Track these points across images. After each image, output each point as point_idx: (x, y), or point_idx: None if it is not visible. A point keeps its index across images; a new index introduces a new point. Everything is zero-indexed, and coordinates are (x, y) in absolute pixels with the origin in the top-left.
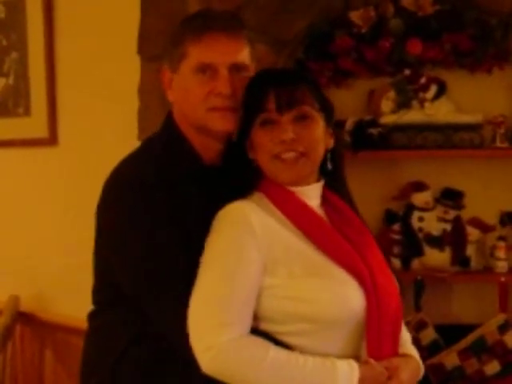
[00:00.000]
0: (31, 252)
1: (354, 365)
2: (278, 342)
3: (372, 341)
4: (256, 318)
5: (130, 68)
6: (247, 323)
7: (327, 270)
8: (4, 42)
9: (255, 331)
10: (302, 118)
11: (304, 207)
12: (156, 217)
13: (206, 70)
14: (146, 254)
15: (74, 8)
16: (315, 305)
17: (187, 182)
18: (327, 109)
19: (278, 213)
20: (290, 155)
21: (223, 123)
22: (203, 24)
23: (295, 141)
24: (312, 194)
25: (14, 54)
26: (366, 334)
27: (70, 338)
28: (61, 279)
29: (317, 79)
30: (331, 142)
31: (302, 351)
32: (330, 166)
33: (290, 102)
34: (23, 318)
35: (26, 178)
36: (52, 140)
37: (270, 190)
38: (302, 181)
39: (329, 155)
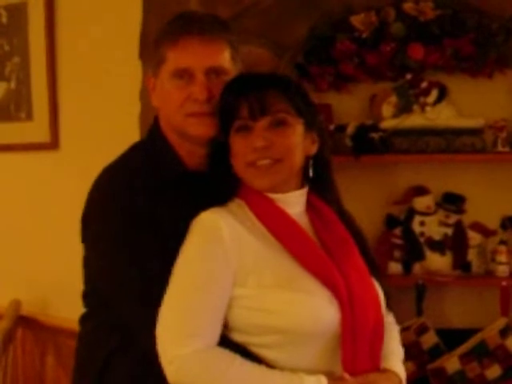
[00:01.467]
0: (32, 256)
1: (323, 380)
2: (249, 354)
3: (347, 355)
4: (228, 328)
5: (132, 72)
6: (214, 335)
7: (299, 280)
8: (6, 47)
9: (228, 342)
10: (277, 125)
11: (281, 215)
12: (133, 224)
13: (182, 74)
14: (121, 262)
15: (76, 12)
16: (284, 317)
17: (170, 187)
18: (308, 114)
19: (255, 220)
20: (263, 162)
21: (201, 128)
22: (180, 28)
23: (268, 148)
24: (292, 201)
25: (16, 59)
26: (340, 347)
27: (71, 341)
28: (62, 283)
29: (311, 83)
30: (313, 148)
31: (275, 364)
32: (311, 172)
33: (263, 108)
34: (24, 321)
35: (28, 182)
36: (54, 144)
37: (248, 196)
38: (279, 188)
39: (310, 162)
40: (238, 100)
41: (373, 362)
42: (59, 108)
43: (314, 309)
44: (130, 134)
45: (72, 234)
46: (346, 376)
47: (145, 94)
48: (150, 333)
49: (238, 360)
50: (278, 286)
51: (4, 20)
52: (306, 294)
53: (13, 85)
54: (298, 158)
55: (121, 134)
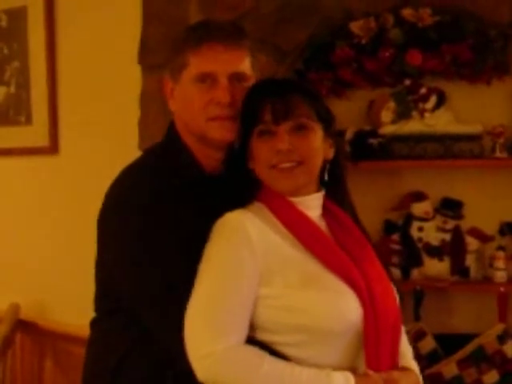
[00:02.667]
0: (31, 260)
1: (350, 377)
2: (274, 353)
3: (370, 352)
4: (253, 327)
5: (131, 77)
6: (243, 333)
7: (324, 280)
8: (5, 51)
9: (252, 341)
10: (299, 129)
11: (302, 217)
12: (153, 225)
13: (205, 79)
14: (143, 265)
15: (76, 17)
16: (310, 316)
17: (187, 189)
18: (326, 119)
19: (277, 222)
20: (286, 165)
21: (222, 132)
22: (204, 34)
23: (291, 151)
24: (312, 204)
25: (16, 63)
26: (363, 345)
27: (70, 346)
28: (61, 287)
29: (317, 89)
30: (331, 153)
31: (299, 362)
32: (326, 176)
33: (286, 112)
34: (23, 326)
35: (27, 187)
36: (53, 149)
37: (269, 199)
38: (300, 191)
39: (327, 166)
40: (261, 104)
41: (392, 359)
42: (58, 112)
43: (340, 307)
44: (129, 139)
45: (71, 238)
46: (370, 372)
47: (144, 99)
48: (172, 332)
49: (268, 357)
50: (304, 286)
51: (4, 24)
52: (332, 292)
53: (12, 89)
54: (318, 162)
55: (120, 138)
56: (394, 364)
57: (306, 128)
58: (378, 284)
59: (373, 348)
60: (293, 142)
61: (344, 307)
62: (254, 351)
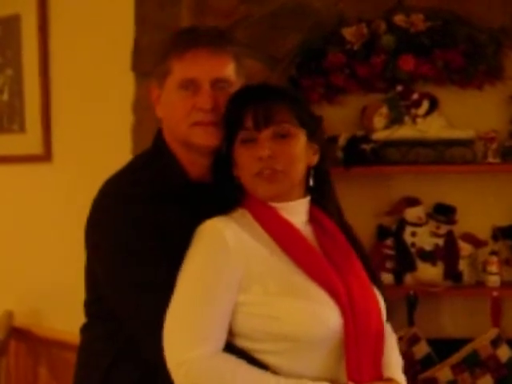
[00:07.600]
0: (25, 267)
1: None
2: (253, 360)
3: (351, 363)
4: (232, 334)
5: (124, 84)
6: (220, 340)
7: (304, 288)
8: None
9: (231, 348)
10: (281, 135)
11: (285, 224)
12: (139, 233)
13: (188, 85)
14: (126, 271)
15: (69, 25)
16: (287, 324)
17: (173, 197)
18: (310, 125)
19: (260, 229)
20: (268, 172)
21: (206, 138)
22: (187, 40)
23: (272, 158)
24: (296, 210)
25: (9, 71)
26: (344, 355)
27: (64, 353)
28: (55, 294)
29: (303, 95)
30: (315, 159)
31: (279, 370)
32: (311, 182)
33: (267, 119)
34: (17, 333)
35: (21, 194)
36: (46, 156)
37: (252, 205)
38: (283, 196)
39: (312, 172)
40: (243, 111)
41: (375, 370)
42: (52, 120)
43: (318, 316)
44: (123, 146)
45: (65, 245)
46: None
47: (137, 107)
48: (155, 340)
49: (243, 366)
50: (282, 294)
51: None
52: (310, 301)
53: (6, 97)
54: (300, 168)
55: (113, 146)
56: (378, 375)
57: (288, 134)
58: (360, 293)
59: (354, 358)
60: (274, 149)
61: (323, 317)
62: (230, 359)
